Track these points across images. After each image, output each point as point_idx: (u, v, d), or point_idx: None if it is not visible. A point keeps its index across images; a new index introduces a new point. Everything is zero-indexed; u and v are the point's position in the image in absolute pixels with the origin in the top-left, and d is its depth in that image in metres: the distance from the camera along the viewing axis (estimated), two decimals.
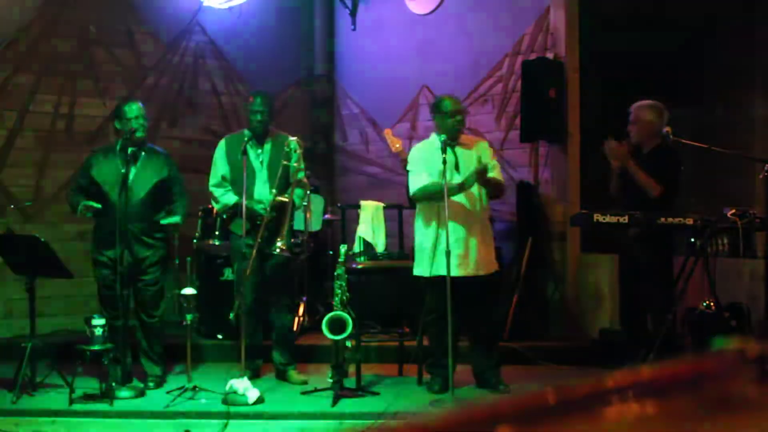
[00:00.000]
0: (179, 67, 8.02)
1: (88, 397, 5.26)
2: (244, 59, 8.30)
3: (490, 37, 7.66)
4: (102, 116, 7.33)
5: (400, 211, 7.03)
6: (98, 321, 5.28)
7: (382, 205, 6.88)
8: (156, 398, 5.38)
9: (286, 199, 5.58)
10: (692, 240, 5.31)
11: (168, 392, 5.43)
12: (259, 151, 5.79)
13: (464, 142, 5.62)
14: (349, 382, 5.55)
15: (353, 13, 8.66)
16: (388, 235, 6.78)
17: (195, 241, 6.80)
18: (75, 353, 5.34)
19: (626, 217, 5.29)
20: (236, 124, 7.80)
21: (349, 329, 5.29)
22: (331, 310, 5.49)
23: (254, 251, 5.45)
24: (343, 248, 5.64)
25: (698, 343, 5.56)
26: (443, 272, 5.15)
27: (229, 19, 8.16)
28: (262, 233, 5.47)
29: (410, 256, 6.03)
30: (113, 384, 5.28)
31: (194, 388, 5.36)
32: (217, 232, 6.61)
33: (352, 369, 5.62)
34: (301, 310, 6.90)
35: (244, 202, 5.49)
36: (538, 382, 5.74)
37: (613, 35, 7.44)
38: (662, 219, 5.28)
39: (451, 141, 5.48)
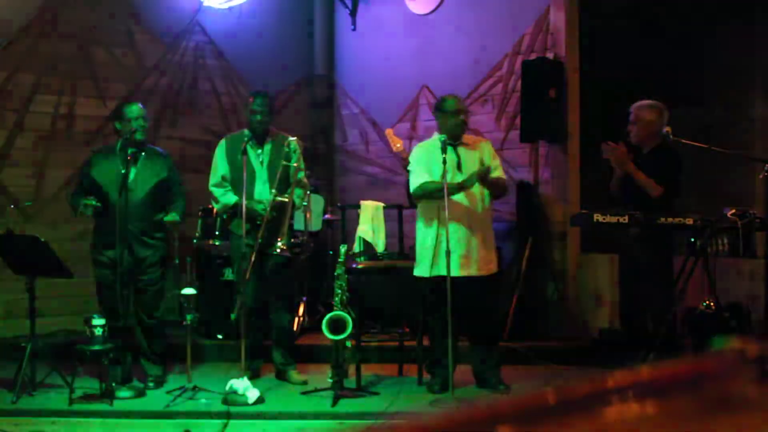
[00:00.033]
0: (179, 67, 8.02)
1: (88, 397, 5.26)
2: (244, 59, 8.30)
3: (490, 37, 7.67)
4: (102, 116, 7.32)
5: (400, 211, 7.03)
6: (98, 321, 5.28)
7: (382, 205, 6.87)
8: (156, 398, 5.38)
9: (286, 199, 5.58)
10: (692, 240, 5.31)
11: (168, 392, 5.43)
12: (259, 151, 5.79)
13: (467, 141, 5.62)
14: (349, 382, 5.55)
15: (353, 13, 8.66)
16: (388, 235, 6.77)
17: (195, 241, 6.80)
18: (75, 353, 5.34)
19: (626, 217, 5.29)
20: (236, 124, 7.80)
21: (349, 329, 5.29)
22: (331, 310, 5.49)
23: (254, 251, 5.45)
24: (343, 248, 5.64)
25: (698, 343, 5.56)
26: (444, 272, 5.16)
27: (229, 19, 8.17)
28: (262, 233, 5.47)
29: (410, 256, 6.03)
30: (113, 384, 5.28)
31: (194, 388, 5.36)
32: (217, 232, 6.61)
33: (352, 369, 5.62)
34: (301, 310, 6.91)
35: (244, 202, 5.50)
36: (538, 382, 5.74)
37: (613, 35, 7.44)
38: (662, 219, 5.29)
39: (454, 141, 5.49)
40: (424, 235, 5.51)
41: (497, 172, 5.52)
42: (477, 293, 5.46)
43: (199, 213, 6.78)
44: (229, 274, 6.61)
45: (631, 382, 0.80)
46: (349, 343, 5.41)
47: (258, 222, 5.58)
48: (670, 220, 5.29)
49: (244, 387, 5.16)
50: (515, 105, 7.41)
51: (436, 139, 5.56)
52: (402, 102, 8.27)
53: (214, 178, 5.87)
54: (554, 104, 6.98)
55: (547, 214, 7.22)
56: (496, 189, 5.53)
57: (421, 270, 5.52)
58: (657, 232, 5.40)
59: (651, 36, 7.64)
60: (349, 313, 5.36)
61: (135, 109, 5.70)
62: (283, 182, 5.62)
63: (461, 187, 5.36)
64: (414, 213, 6.78)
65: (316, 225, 7.33)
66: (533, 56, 7.26)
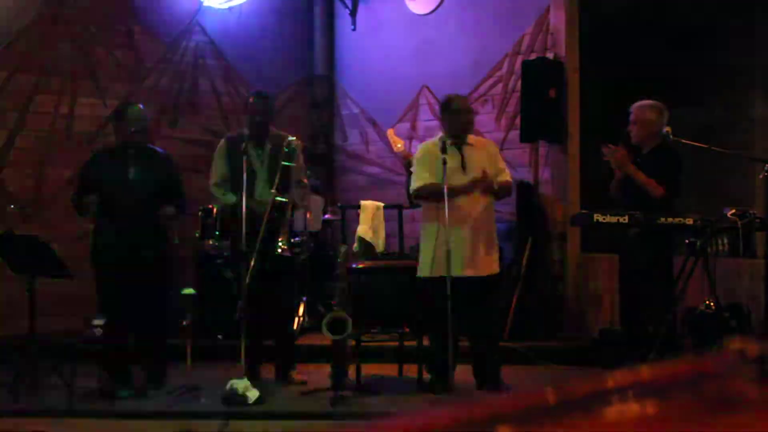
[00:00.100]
0: (179, 67, 8.02)
1: (88, 397, 5.26)
2: (244, 59, 8.30)
3: (490, 37, 7.67)
4: (102, 116, 7.32)
5: (400, 211, 7.03)
6: (98, 321, 5.28)
7: (382, 205, 6.88)
8: (156, 398, 5.38)
9: (286, 200, 5.58)
10: (692, 240, 5.31)
11: (168, 392, 5.42)
12: (259, 151, 5.79)
13: (471, 142, 5.62)
14: (349, 382, 5.55)
15: (353, 13, 8.66)
16: (388, 235, 6.78)
17: (195, 241, 6.79)
18: (75, 353, 5.34)
19: (626, 217, 5.29)
20: (236, 124, 7.80)
21: (349, 329, 5.29)
22: (331, 310, 5.49)
23: (255, 252, 5.45)
24: (343, 248, 5.64)
25: (698, 343, 5.55)
26: (439, 273, 5.17)
27: (229, 19, 8.17)
28: (262, 234, 5.46)
29: (411, 256, 6.03)
30: (113, 384, 5.28)
31: (194, 388, 5.36)
32: (217, 232, 6.61)
33: (352, 369, 5.62)
34: (301, 310, 6.90)
35: (244, 202, 5.49)
36: (538, 382, 5.74)
37: (613, 35, 7.44)
38: (662, 219, 5.29)
39: (459, 140, 5.50)
40: (427, 236, 5.51)
41: (504, 176, 5.55)
42: (478, 293, 5.46)
43: (199, 213, 6.78)
44: (229, 274, 6.61)
45: (631, 382, 0.80)
46: (349, 343, 5.41)
47: (258, 222, 5.57)
48: (670, 220, 5.30)
49: (244, 387, 5.16)
50: (515, 105, 7.41)
51: (437, 139, 5.57)
52: (402, 102, 8.27)
53: (214, 178, 5.86)
54: (554, 104, 6.98)
55: (547, 214, 7.22)
56: (502, 193, 5.58)
57: (423, 270, 5.52)
58: (657, 232, 5.40)
59: (651, 36, 7.63)
60: (348, 314, 5.36)
61: (135, 110, 5.70)
62: (283, 182, 5.62)
63: (462, 190, 5.37)
64: (414, 213, 6.79)
65: (316, 225, 7.33)
66: (533, 56, 7.26)
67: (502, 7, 7.62)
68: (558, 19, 7.18)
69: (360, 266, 6.02)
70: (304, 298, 6.98)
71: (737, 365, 0.80)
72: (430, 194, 5.42)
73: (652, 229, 5.38)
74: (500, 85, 7.62)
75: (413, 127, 8.18)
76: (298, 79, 8.80)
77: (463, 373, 5.58)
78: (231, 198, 5.74)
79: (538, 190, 7.29)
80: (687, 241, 5.38)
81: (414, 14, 8.21)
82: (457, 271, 5.30)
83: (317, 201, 7.37)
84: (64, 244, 6.27)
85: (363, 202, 6.92)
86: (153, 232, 5.70)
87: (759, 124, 7.49)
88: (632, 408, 0.78)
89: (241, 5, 8.14)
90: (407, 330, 6.24)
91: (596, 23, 7.37)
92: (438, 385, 5.50)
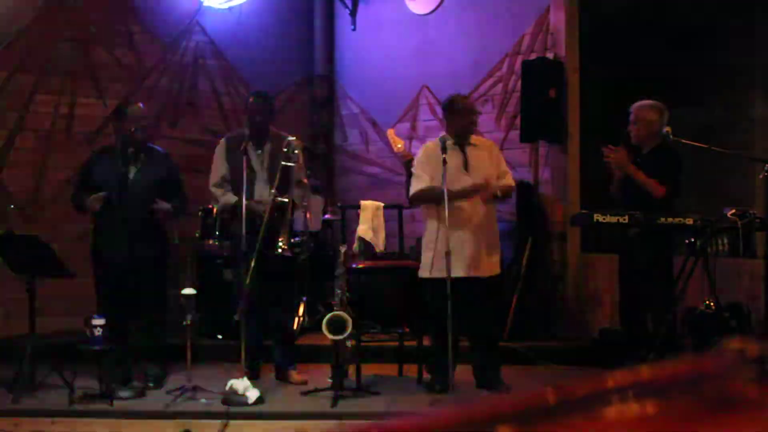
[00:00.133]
0: (179, 67, 8.02)
1: (88, 397, 5.26)
2: (244, 59, 8.30)
3: (490, 37, 7.67)
4: (102, 116, 7.32)
5: (400, 211, 7.03)
6: (98, 321, 5.28)
7: (382, 205, 6.87)
8: (156, 398, 5.38)
9: (286, 200, 5.58)
10: (692, 240, 5.31)
11: (168, 392, 5.42)
12: (259, 151, 5.78)
13: (474, 142, 5.62)
14: (349, 382, 5.55)
15: (353, 13, 8.66)
16: (388, 235, 6.78)
17: (195, 241, 6.79)
18: (75, 353, 5.34)
19: (626, 217, 5.29)
20: (236, 124, 7.80)
21: (349, 329, 5.29)
22: (331, 310, 5.49)
23: (255, 252, 5.45)
24: (343, 248, 5.64)
25: (698, 343, 5.55)
26: (444, 273, 5.17)
27: (229, 19, 8.16)
28: (262, 234, 5.46)
29: (411, 256, 6.02)
30: (113, 384, 5.28)
31: (194, 388, 5.36)
32: (217, 232, 6.60)
33: (352, 369, 5.62)
34: (301, 310, 6.90)
35: (244, 203, 5.49)
36: (538, 382, 5.74)
37: (613, 35, 7.44)
38: (662, 219, 5.29)
39: (462, 140, 5.51)
40: (428, 237, 5.51)
41: (506, 180, 5.57)
42: (479, 294, 5.46)
43: (199, 213, 6.77)
44: (229, 274, 6.61)
45: (631, 382, 0.80)
46: (349, 343, 5.41)
47: (258, 222, 5.57)
48: (670, 220, 5.30)
49: (244, 387, 5.16)
50: (515, 105, 7.41)
51: (438, 139, 5.57)
52: (402, 102, 8.27)
53: (214, 178, 5.86)
54: (554, 104, 6.98)
55: (547, 214, 7.22)
56: (504, 198, 5.61)
57: (424, 271, 5.52)
58: (657, 232, 5.40)
59: (651, 36, 7.63)
60: (349, 313, 5.36)
61: (135, 109, 5.70)
62: (283, 182, 5.62)
63: (462, 194, 5.37)
64: (414, 213, 6.79)
65: (316, 225, 7.33)
66: (533, 56, 7.26)
67: (502, 7, 7.62)
68: (558, 19, 7.18)
69: (360, 266, 6.01)
70: (304, 298, 6.98)
71: (737, 365, 0.80)
72: (430, 199, 5.44)
73: (652, 229, 5.38)
74: (500, 85, 7.62)
75: (413, 127, 8.18)
76: (298, 79, 8.80)
77: (463, 373, 5.58)
78: (231, 198, 5.74)
79: (538, 190, 7.29)
80: (687, 241, 5.38)
81: (414, 14, 8.21)
82: (458, 272, 5.30)
83: (317, 201, 7.36)
84: (64, 244, 6.27)
85: (363, 202, 6.91)
86: (153, 231, 5.70)
87: (759, 124, 7.49)
88: (632, 408, 0.78)
89: (241, 5, 8.14)
90: (407, 330, 6.24)
91: (596, 23, 7.37)
92: (438, 385, 5.50)
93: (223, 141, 5.96)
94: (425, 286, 5.54)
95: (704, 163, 6.39)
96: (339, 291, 5.49)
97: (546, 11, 7.26)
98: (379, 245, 6.59)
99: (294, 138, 5.65)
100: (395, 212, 7.03)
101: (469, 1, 7.88)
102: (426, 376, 5.74)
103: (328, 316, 5.37)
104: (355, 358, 5.57)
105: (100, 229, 5.65)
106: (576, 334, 6.91)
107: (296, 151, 5.61)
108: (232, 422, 4.95)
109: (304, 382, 5.73)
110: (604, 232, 6.07)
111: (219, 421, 4.96)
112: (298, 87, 8.80)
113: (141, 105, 5.80)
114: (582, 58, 7.20)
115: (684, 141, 5.56)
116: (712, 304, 5.59)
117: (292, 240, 5.97)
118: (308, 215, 6.50)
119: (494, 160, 5.61)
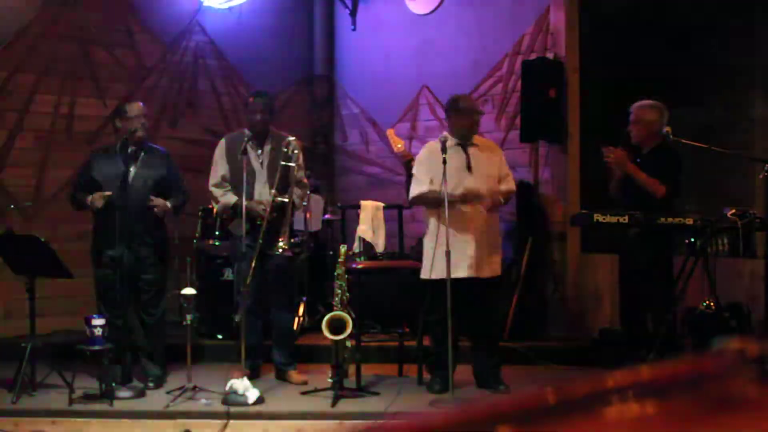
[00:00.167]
0: (179, 67, 8.02)
1: (88, 397, 5.26)
2: (244, 59, 8.30)
3: (490, 37, 7.67)
4: (102, 116, 7.32)
5: (400, 211, 7.03)
6: (98, 321, 5.28)
7: (382, 205, 6.87)
8: (156, 398, 5.37)
9: (286, 200, 5.58)
10: (692, 240, 5.31)
11: (168, 392, 5.42)
12: (259, 151, 5.78)
13: (477, 142, 5.63)
14: (349, 382, 5.55)
15: (353, 13, 8.66)
16: (388, 235, 6.77)
17: (195, 241, 6.80)
18: (75, 353, 5.34)
19: (626, 217, 5.29)
20: (236, 124, 7.80)
21: (349, 329, 5.29)
22: (331, 310, 5.49)
23: (256, 252, 5.45)
24: (343, 248, 5.64)
25: (698, 343, 5.56)
26: (452, 274, 5.17)
27: (229, 19, 8.16)
28: (263, 234, 5.46)
29: (411, 256, 6.02)
30: (113, 384, 5.28)
31: (194, 388, 5.36)
32: (217, 232, 6.61)
33: (352, 369, 5.62)
34: (301, 310, 6.90)
35: (244, 203, 5.49)
36: (538, 382, 5.74)
37: (613, 35, 7.44)
38: (662, 219, 5.29)
39: (464, 140, 5.51)
40: (429, 238, 5.51)
41: (508, 184, 5.59)
42: (480, 294, 5.46)
43: (199, 213, 6.78)
44: (229, 274, 6.61)
45: (631, 382, 0.80)
46: (349, 343, 5.41)
47: (258, 222, 5.57)
48: (670, 220, 5.30)
49: (244, 387, 5.16)
50: (515, 105, 7.41)
51: (438, 140, 5.57)
52: (402, 102, 8.27)
53: (214, 178, 5.86)
54: (554, 104, 6.98)
55: (547, 214, 7.22)
56: (505, 202, 5.64)
57: (425, 271, 5.52)
58: (657, 232, 5.40)
59: (651, 36, 7.63)
60: (349, 313, 5.36)
61: (136, 107, 5.70)
62: (283, 182, 5.62)
63: (462, 198, 5.37)
64: (414, 213, 6.78)
65: (316, 225, 7.33)
66: (533, 56, 7.26)
67: (502, 7, 7.62)
68: (558, 19, 7.18)
69: (360, 266, 6.01)
70: (304, 298, 6.98)
71: (737, 365, 0.80)
72: (429, 203, 5.46)
73: (652, 229, 5.38)
74: (500, 85, 7.62)
75: (413, 127, 8.18)
76: (298, 79, 8.80)
77: (463, 373, 5.58)
78: (231, 198, 5.74)
79: (538, 190, 7.29)
80: (687, 241, 5.38)
81: (414, 14, 8.21)
82: (461, 273, 5.31)
83: (317, 201, 7.37)
84: (64, 244, 6.27)
85: (363, 202, 6.91)
86: (153, 231, 5.70)
87: (759, 124, 7.49)
88: (632, 408, 0.78)
89: (241, 5, 8.14)
90: (407, 330, 6.25)
91: (596, 23, 7.37)
92: (438, 385, 5.50)
93: (223, 141, 5.96)
94: (427, 287, 5.54)
95: (704, 163, 6.39)
96: (339, 291, 5.49)
97: (546, 11, 7.26)
98: (379, 245, 6.59)
99: (294, 138, 5.65)
100: (395, 212, 7.03)
101: (469, 1, 7.88)
102: (426, 376, 5.74)
103: (328, 316, 5.37)
104: (355, 358, 5.57)
105: (100, 229, 5.65)
106: (576, 334, 6.91)
107: (296, 151, 5.61)
108: (232, 422, 4.95)
109: (304, 382, 5.73)
110: (604, 232, 6.07)
111: (219, 421, 4.96)
112: (298, 87, 8.80)
113: (141, 104, 5.80)
114: (582, 58, 7.20)
115: (684, 141, 5.55)
116: (712, 304, 5.60)
117: (292, 240, 5.97)
118: (308, 215, 6.50)
119: (497, 161, 5.61)
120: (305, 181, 5.99)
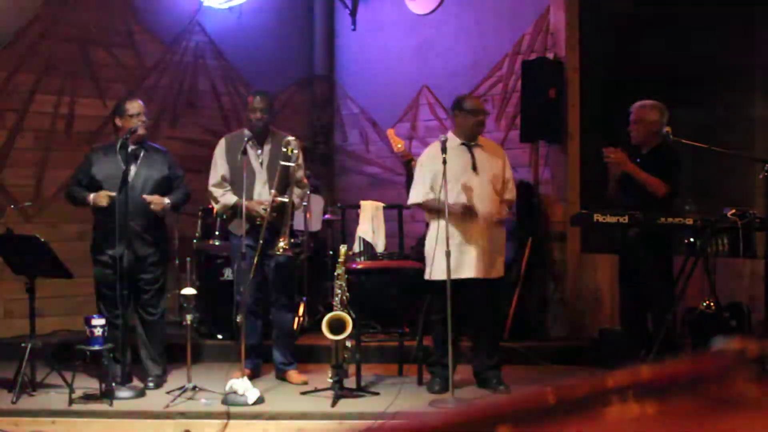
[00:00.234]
0: (179, 67, 8.02)
1: (88, 397, 5.26)
2: (244, 59, 8.30)
3: (490, 37, 7.66)
4: (102, 116, 7.32)
5: (400, 211, 7.02)
6: (98, 321, 5.28)
7: (382, 205, 6.87)
8: (156, 398, 5.37)
9: (286, 200, 5.58)
10: (692, 240, 5.31)
11: (168, 392, 5.42)
12: (259, 151, 5.78)
13: (482, 143, 5.63)
14: (349, 382, 5.55)
15: (353, 13, 8.66)
16: (388, 235, 6.77)
17: (195, 241, 6.80)
18: (75, 353, 5.34)
19: (626, 217, 5.29)
20: (236, 124, 7.80)
21: (349, 329, 5.29)
22: (331, 310, 5.49)
23: (256, 252, 5.45)
24: (343, 248, 5.64)
25: (698, 343, 5.55)
26: (453, 275, 5.17)
27: (229, 19, 8.16)
28: (263, 234, 5.46)
29: (411, 256, 6.01)
30: (113, 384, 5.28)
31: (194, 388, 5.36)
32: (217, 232, 6.61)
33: (352, 369, 5.62)
34: (301, 310, 6.90)
35: (244, 202, 5.49)
36: (538, 382, 5.74)
37: (613, 35, 7.44)
38: (662, 219, 5.29)
39: (469, 141, 5.52)
40: (430, 238, 5.51)
41: (509, 194, 5.63)
42: (482, 294, 5.46)
43: (199, 213, 6.78)
44: (229, 274, 6.61)
45: (631, 382, 0.80)
46: (349, 343, 5.41)
47: (258, 222, 5.58)
48: (670, 220, 5.29)
49: (244, 387, 5.16)
50: (515, 105, 7.41)
51: (438, 140, 5.57)
52: (402, 102, 8.27)
53: (213, 178, 5.86)
54: (554, 104, 6.98)
55: (547, 214, 7.22)
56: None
57: (426, 272, 5.52)
58: (657, 232, 5.40)
59: (651, 36, 7.63)
60: (349, 313, 5.36)
61: (136, 105, 5.69)
62: (282, 182, 5.62)
63: (464, 209, 5.36)
64: (414, 213, 6.78)
65: (316, 225, 7.33)
66: (533, 56, 7.26)
67: (502, 7, 7.61)
68: (558, 19, 7.18)
69: (360, 266, 6.01)
70: (304, 298, 6.98)
71: (737, 365, 0.80)
72: (428, 210, 5.50)
73: (652, 229, 5.38)
74: (500, 85, 7.61)
75: (413, 127, 8.18)
76: (298, 79, 8.80)
77: (463, 373, 5.58)
78: (231, 198, 5.74)
79: (538, 190, 7.28)
80: (687, 241, 5.38)
81: (414, 14, 8.21)
82: (465, 274, 5.31)
83: (317, 201, 7.37)
84: (64, 244, 6.27)
85: (363, 202, 6.91)
86: (153, 230, 5.69)
87: (759, 124, 7.49)
88: (632, 408, 0.78)
89: (241, 5, 8.14)
90: (407, 330, 6.25)
91: (596, 23, 7.37)
92: (438, 385, 5.50)
93: (222, 141, 5.96)
94: (429, 287, 5.54)
95: (704, 163, 6.39)
96: (339, 291, 5.49)
97: (546, 11, 7.26)
98: (379, 245, 6.59)
99: (294, 138, 5.65)
100: (395, 212, 7.03)
101: (469, 1, 7.88)
102: (426, 376, 5.74)
103: (328, 316, 5.37)
104: (355, 358, 5.57)
105: (101, 228, 5.64)
106: (576, 334, 6.91)
107: (296, 151, 5.61)
108: (232, 422, 4.95)
109: (304, 382, 5.74)
110: (604, 232, 6.07)
111: (219, 421, 4.96)
112: (298, 87, 8.80)
113: (141, 102, 5.79)
114: (582, 58, 7.20)
115: (684, 141, 5.55)
116: (712, 304, 5.59)
117: (292, 240, 5.97)
118: (308, 215, 6.50)
119: (501, 164, 5.62)
120: (305, 181, 5.99)
